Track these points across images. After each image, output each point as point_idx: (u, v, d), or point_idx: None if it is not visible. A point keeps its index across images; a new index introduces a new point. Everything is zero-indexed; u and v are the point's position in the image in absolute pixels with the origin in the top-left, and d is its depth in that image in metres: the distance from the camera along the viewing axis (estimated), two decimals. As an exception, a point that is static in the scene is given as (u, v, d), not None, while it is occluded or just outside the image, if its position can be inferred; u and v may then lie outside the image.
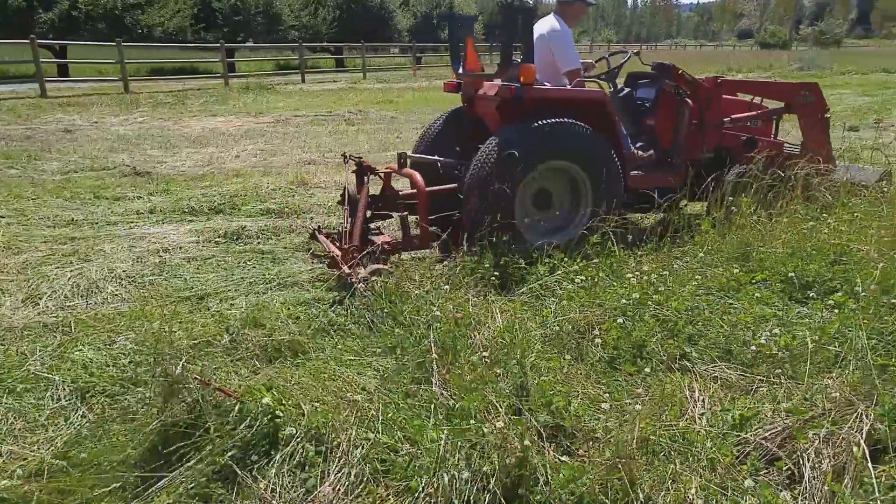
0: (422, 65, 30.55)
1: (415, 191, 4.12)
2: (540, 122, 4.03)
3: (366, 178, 4.33)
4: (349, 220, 4.13)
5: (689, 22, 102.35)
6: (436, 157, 4.58)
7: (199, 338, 3.00)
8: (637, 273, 3.66)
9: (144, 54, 23.81)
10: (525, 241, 4.04)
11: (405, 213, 4.18)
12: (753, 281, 3.72)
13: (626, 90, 5.19)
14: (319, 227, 4.63)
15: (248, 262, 4.52)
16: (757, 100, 5.47)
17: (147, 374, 2.61)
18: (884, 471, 2.11)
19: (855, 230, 4.14)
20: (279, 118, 12.87)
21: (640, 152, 4.70)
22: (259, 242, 4.98)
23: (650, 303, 3.29)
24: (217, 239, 5.01)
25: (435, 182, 4.30)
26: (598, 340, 3.00)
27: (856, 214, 4.37)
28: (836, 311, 3.23)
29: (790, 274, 3.65)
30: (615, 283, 3.61)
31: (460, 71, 4.77)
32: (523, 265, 3.77)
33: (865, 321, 2.92)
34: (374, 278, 3.46)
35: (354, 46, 28.97)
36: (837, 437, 2.27)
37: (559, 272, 3.74)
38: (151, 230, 5.21)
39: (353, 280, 3.50)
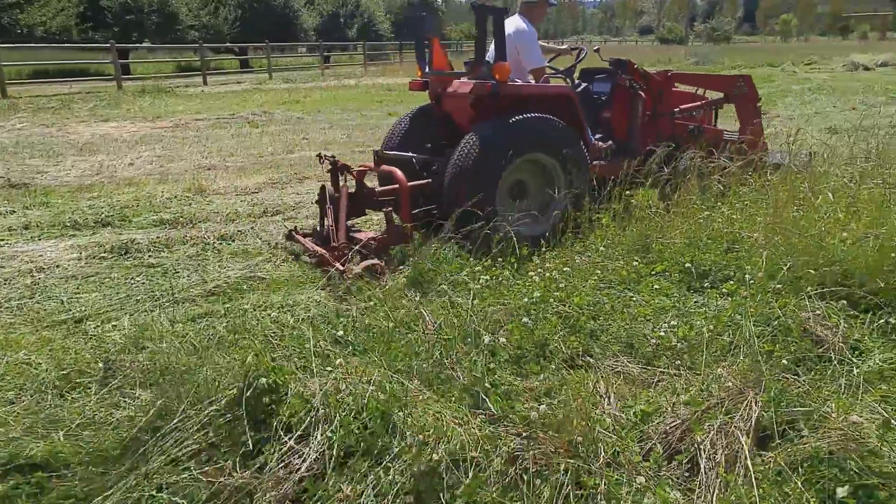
0: (330, 64, 30.01)
1: (391, 187, 4.29)
2: (519, 117, 4.21)
3: (340, 176, 4.43)
4: (332, 218, 4.20)
5: (593, 18, 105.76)
6: (410, 154, 4.66)
7: (71, 367, 2.72)
8: (540, 270, 3.65)
9: (26, 56, 22.12)
10: (501, 230, 4.00)
11: (389, 209, 4.22)
12: (653, 273, 3.78)
13: (583, 85, 5.37)
14: (296, 227, 4.73)
15: (136, 279, 4.20)
16: (699, 91, 5.88)
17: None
18: (771, 457, 2.14)
19: (745, 218, 4.29)
20: (178, 122, 12.25)
21: (600, 143, 4.91)
22: (150, 256, 4.65)
23: (552, 300, 3.27)
24: (102, 254, 4.63)
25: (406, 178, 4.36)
26: (502, 340, 2.94)
27: (745, 202, 4.54)
28: (729, 298, 3.32)
29: (687, 264, 3.73)
30: (518, 282, 3.58)
31: (427, 70, 4.90)
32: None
33: (753, 309, 3.00)
34: (367, 274, 3.58)
35: (259, 47, 28.14)
36: (730, 427, 2.30)
37: (465, 271, 3.67)
38: (24, 248, 4.76)
39: (348, 276, 3.58)
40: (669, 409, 2.47)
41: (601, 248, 4.06)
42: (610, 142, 5.00)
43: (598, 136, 5.05)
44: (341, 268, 3.71)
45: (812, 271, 3.33)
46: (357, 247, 3.89)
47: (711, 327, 2.97)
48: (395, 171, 4.30)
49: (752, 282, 3.30)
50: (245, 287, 4.02)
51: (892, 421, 2.20)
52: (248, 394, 2.07)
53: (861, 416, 2.23)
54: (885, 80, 19.72)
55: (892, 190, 4.22)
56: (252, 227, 5.32)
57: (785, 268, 3.32)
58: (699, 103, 5.66)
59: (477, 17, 4.37)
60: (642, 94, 5.07)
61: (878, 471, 2.04)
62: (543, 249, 4.06)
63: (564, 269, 3.66)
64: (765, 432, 2.29)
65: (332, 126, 11.20)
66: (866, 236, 3.67)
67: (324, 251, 4.04)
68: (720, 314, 3.11)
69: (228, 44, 28.84)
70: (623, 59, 5.27)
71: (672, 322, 3.10)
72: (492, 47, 4.39)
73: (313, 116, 12.95)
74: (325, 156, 4.55)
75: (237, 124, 12.03)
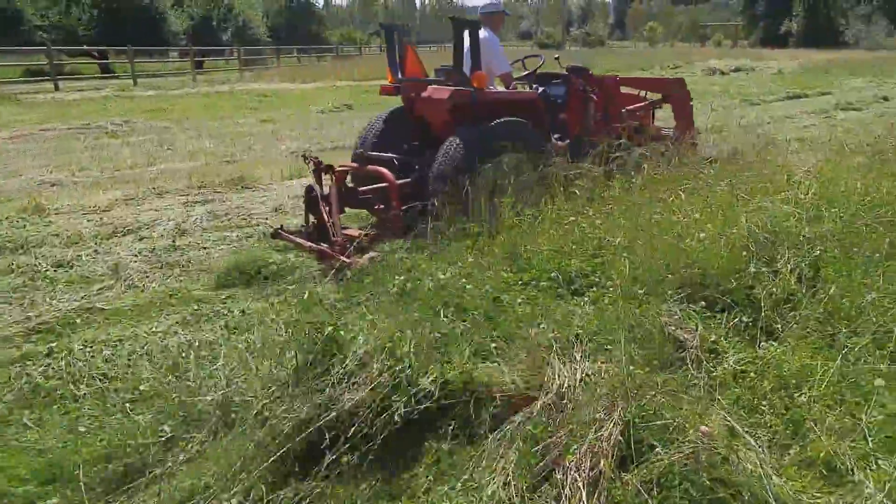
0: (203, 70, 28.53)
1: (380, 185, 4.58)
2: (498, 122, 4.67)
3: (325, 176, 4.61)
4: (327, 215, 4.40)
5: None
6: (391, 155, 4.93)
7: None
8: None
9: None
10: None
11: (380, 206, 4.53)
12: (522, 282, 3.71)
13: (541, 89, 5.64)
14: (282, 225, 4.79)
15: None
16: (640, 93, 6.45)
17: None
18: (629, 478, 2.07)
19: (610, 222, 4.32)
20: (21, 133, 11.08)
21: (559, 143, 5.27)
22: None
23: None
24: None
25: (375, 178, 4.67)
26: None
27: (610, 206, 4.59)
28: (594, 306, 3.29)
29: (553, 273, 3.68)
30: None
31: (399, 76, 5.22)
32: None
33: (616, 315, 2.98)
34: (370, 264, 3.75)
35: (122, 50, 26.28)
36: (595, 448, 2.22)
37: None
38: None
39: (356, 267, 3.73)
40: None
41: (469, 259, 3.94)
42: (567, 141, 5.36)
43: (556, 135, 5.43)
44: (347, 260, 3.87)
45: (669, 276, 3.36)
46: (358, 239, 4.09)
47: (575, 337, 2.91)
48: (384, 172, 4.60)
49: (612, 288, 3.28)
50: (78, 321, 3.58)
51: (737, 428, 2.21)
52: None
53: (711, 426, 2.21)
54: (738, 83, 21.31)
55: (739, 190, 4.39)
56: (96, 251, 4.82)
57: (647, 271, 3.34)
58: (642, 104, 6.24)
59: (455, 30, 4.76)
60: (594, 96, 5.59)
61: (729, 481, 2.01)
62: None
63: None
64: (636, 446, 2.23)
65: (202, 135, 10.54)
66: (720, 236, 3.79)
67: (320, 247, 4.25)
68: (587, 322, 3.05)
69: (86, 47, 26.74)
70: (580, 66, 5.87)
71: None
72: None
73: (181, 125, 12.15)
74: (310, 156, 4.75)
75: (93, 135, 11.08)
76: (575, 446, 2.23)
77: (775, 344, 2.98)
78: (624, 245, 3.83)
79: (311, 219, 4.64)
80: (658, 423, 2.30)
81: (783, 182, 4.87)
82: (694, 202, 4.29)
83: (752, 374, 2.80)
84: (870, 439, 2.30)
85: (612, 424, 2.29)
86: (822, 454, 2.27)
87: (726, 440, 2.17)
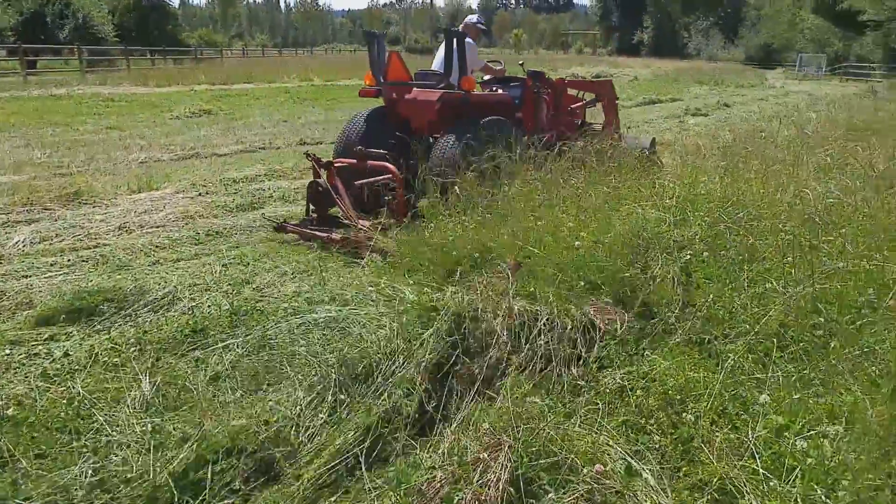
0: (36, 70, 25.70)
1: (384, 177, 5.00)
2: (486, 119, 5.24)
3: (323, 171, 5.02)
4: (343, 205, 4.81)
5: (343, 28, 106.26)
6: (383, 151, 5.17)
7: None
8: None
9: None
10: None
11: (388, 195, 4.89)
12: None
13: (500, 90, 6.21)
14: (285, 220, 5.21)
15: None
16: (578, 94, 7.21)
17: None
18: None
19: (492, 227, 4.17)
20: None
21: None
22: None
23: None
24: None
25: (361, 171, 5.09)
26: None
27: (487, 216, 4.44)
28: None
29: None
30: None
31: (381, 79, 5.68)
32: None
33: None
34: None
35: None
36: (481, 495, 1.97)
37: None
38: None
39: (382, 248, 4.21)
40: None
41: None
42: (525, 137, 5.61)
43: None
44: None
45: (548, 289, 3.22)
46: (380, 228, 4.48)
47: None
48: (389, 166, 4.97)
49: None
50: None
51: (634, 465, 2.04)
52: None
53: (604, 464, 2.03)
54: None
55: (612, 196, 4.37)
56: None
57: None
58: (582, 102, 7.07)
59: (447, 39, 5.47)
60: (546, 97, 6.29)
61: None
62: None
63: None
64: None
65: (30, 144, 9.28)
66: (596, 243, 3.71)
67: (333, 236, 4.68)
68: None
69: None
70: (538, 70, 6.52)
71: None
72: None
73: (6, 133, 10.69)
74: (310, 154, 5.18)
75: None
76: (458, 496, 1.97)
77: (658, 356, 2.90)
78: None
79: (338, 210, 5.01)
80: (548, 461, 2.09)
81: (650, 186, 4.95)
82: (567, 209, 4.24)
83: (638, 392, 2.68)
84: (758, 457, 2.21)
85: (499, 467, 2.05)
86: (714, 479, 2.16)
87: (620, 476, 1.98)
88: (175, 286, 3.85)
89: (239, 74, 23.16)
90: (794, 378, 2.66)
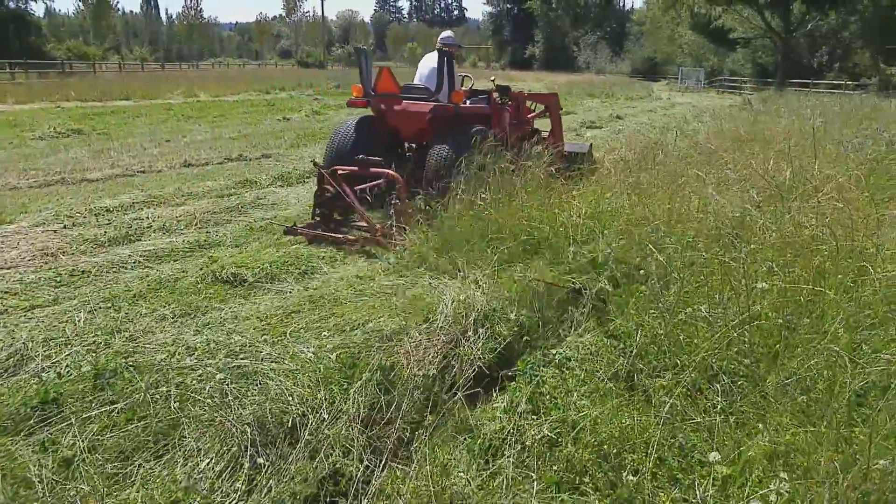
0: None
1: (374, 182, 5.54)
2: (474, 129, 5.77)
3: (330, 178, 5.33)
4: (358, 209, 5.21)
5: (231, 41, 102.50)
6: (379, 159, 5.50)
7: None
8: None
9: None
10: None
11: (395, 200, 5.16)
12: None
13: (469, 102, 6.61)
14: (294, 223, 5.47)
15: None
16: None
17: None
18: None
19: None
20: None
21: None
22: None
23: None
24: None
25: (362, 178, 5.55)
26: None
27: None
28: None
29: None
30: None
31: (372, 91, 6.18)
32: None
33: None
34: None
35: None
36: None
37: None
38: None
39: (401, 245, 4.75)
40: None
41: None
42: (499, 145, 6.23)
43: None
44: (396, 240, 4.84)
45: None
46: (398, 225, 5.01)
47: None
48: (392, 173, 5.33)
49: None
50: None
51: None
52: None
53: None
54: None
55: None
56: None
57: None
58: (536, 112, 7.81)
59: (439, 58, 6.06)
60: (508, 108, 6.96)
61: None
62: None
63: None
64: None
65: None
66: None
67: (346, 236, 5.14)
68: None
69: None
70: (504, 85, 7.18)
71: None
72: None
73: None
74: (316, 162, 5.68)
75: None
76: None
77: (587, 401, 2.65)
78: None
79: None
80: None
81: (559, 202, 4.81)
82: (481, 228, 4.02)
83: (569, 445, 2.40)
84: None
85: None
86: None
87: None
88: (24, 342, 3.25)
89: (115, 90, 21.53)
90: (732, 418, 2.48)
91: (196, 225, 5.74)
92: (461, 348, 2.99)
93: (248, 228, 5.69)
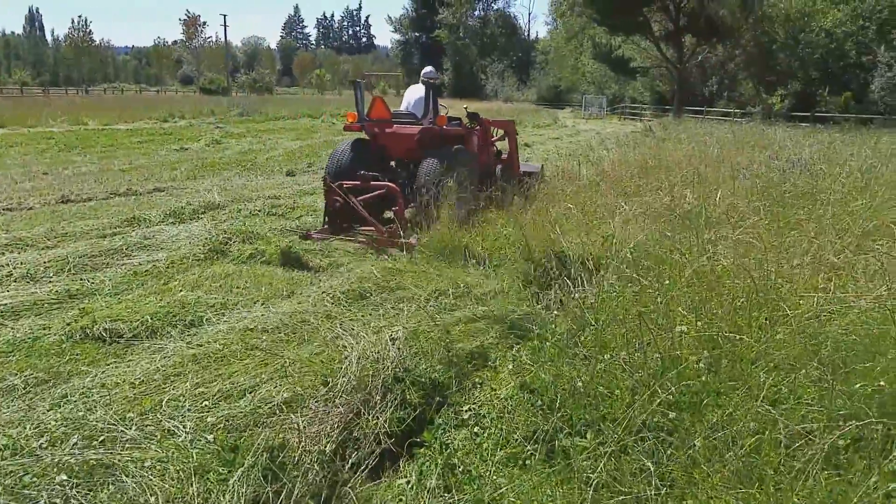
0: None
1: (374, 194, 6.49)
2: (455, 147, 6.98)
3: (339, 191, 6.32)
4: (368, 217, 6.19)
5: (127, 66, 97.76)
6: (376, 174, 6.69)
7: None
8: None
9: None
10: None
11: (396, 208, 6.26)
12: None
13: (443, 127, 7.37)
14: (308, 230, 6.51)
15: None
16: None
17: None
18: None
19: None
20: None
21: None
22: None
23: None
24: None
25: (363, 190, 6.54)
26: None
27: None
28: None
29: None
30: None
31: (366, 116, 7.17)
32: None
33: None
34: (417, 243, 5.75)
35: None
36: None
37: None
38: None
39: (411, 245, 5.70)
40: None
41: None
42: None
43: None
44: (404, 241, 5.81)
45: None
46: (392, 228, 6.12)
47: None
48: (392, 186, 6.36)
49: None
50: None
51: None
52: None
53: None
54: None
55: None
56: None
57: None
58: (499, 136, 8.59)
59: (426, 90, 7.21)
60: (477, 132, 7.85)
61: None
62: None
63: None
64: None
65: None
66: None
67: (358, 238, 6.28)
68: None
69: None
70: (475, 112, 8.14)
71: None
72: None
73: None
74: (326, 178, 6.48)
75: None
76: None
77: (504, 473, 2.36)
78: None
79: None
80: None
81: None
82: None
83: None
84: None
85: None
86: None
87: None
88: None
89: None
90: (660, 483, 2.25)
91: (68, 271, 5.11)
92: (365, 417, 2.64)
93: (130, 273, 5.13)
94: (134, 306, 4.30)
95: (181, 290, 4.65)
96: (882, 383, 2.53)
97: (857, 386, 2.54)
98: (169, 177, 10.22)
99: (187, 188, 9.19)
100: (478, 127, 7.96)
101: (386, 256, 5.63)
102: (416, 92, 7.59)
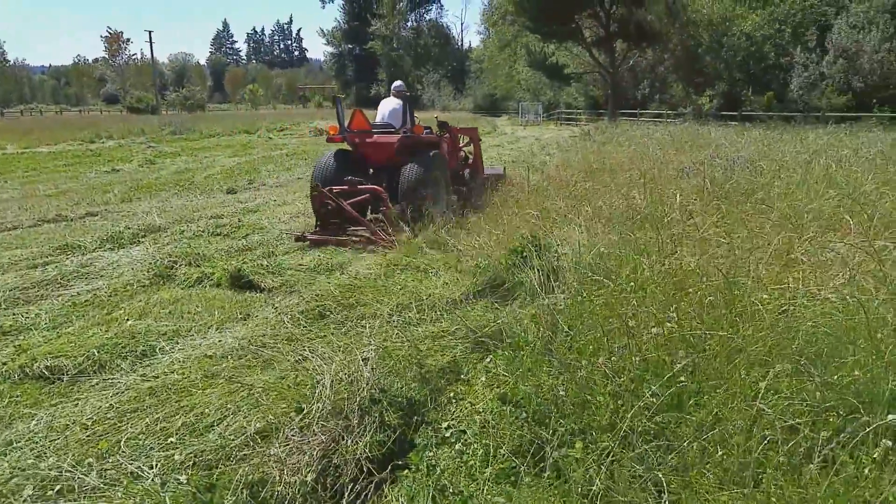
0: None
1: (360, 197, 7.16)
2: (432, 153, 7.55)
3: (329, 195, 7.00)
4: (359, 217, 7.00)
5: (44, 86, 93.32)
6: (360, 179, 7.37)
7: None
8: None
9: None
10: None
11: (384, 209, 6.88)
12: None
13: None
14: (303, 231, 7.05)
15: None
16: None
17: None
18: None
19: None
20: None
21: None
22: None
23: None
24: None
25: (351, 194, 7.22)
26: None
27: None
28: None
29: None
30: None
31: (347, 127, 7.71)
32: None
33: None
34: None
35: None
36: None
37: None
38: None
39: (401, 242, 6.35)
40: None
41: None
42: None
43: None
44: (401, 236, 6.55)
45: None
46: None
47: None
48: (379, 189, 7.08)
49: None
50: None
51: None
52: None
53: None
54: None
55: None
56: None
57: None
58: (467, 142, 9.51)
59: (403, 102, 7.96)
60: (446, 139, 8.43)
61: None
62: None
63: None
64: None
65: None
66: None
67: (358, 236, 6.86)
68: None
69: None
70: (444, 121, 8.89)
71: None
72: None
73: None
74: (316, 185, 7.13)
75: None
76: None
77: (495, 490, 2.26)
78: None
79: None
80: None
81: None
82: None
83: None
84: None
85: None
86: None
87: None
88: None
89: None
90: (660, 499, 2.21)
91: (-2, 307, 4.76)
92: (344, 444, 2.50)
93: (69, 304, 4.81)
94: (76, 340, 4.03)
95: (128, 320, 4.40)
96: (857, 373, 2.57)
97: (835, 377, 2.56)
98: (102, 200, 9.74)
99: (123, 211, 8.77)
100: (446, 135, 8.55)
101: (383, 250, 6.32)
102: (389, 104, 8.19)
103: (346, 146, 7.87)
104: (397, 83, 8.62)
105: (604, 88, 36.43)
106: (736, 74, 29.94)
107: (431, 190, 7.22)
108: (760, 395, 2.58)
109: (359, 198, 7.14)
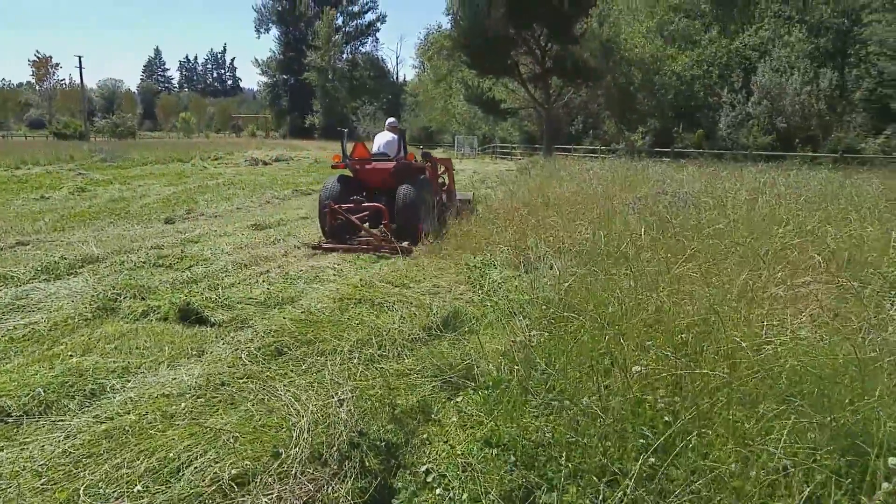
0: None
1: (361, 214, 8.37)
2: (421, 178, 8.94)
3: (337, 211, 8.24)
4: (365, 229, 8.21)
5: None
6: (362, 197, 8.76)
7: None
8: None
9: None
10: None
11: (386, 222, 8.21)
12: None
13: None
14: (319, 241, 8.36)
15: None
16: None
17: None
18: None
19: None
20: None
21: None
22: None
23: None
24: None
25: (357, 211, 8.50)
26: None
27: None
28: None
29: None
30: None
31: (347, 156, 9.16)
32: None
33: None
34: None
35: None
36: None
37: None
38: None
39: (403, 247, 7.71)
40: None
41: None
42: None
43: None
44: (396, 244, 7.70)
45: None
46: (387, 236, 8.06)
47: None
48: (382, 206, 8.32)
49: None
50: None
51: None
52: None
53: None
54: (283, 173, 21.78)
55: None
56: None
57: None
58: (443, 171, 10.67)
59: (399, 135, 9.48)
60: (428, 167, 9.57)
61: None
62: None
63: None
64: None
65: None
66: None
67: (360, 244, 8.15)
68: None
69: None
70: (427, 151, 10.90)
71: None
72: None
73: None
74: (329, 203, 8.28)
75: None
76: None
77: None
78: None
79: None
80: None
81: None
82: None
83: None
84: None
85: None
86: None
87: None
88: None
89: None
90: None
91: (-78, 348, 4.36)
92: (325, 491, 2.36)
93: (5, 340, 4.46)
94: (19, 378, 3.72)
95: (72, 356, 4.10)
96: (846, 414, 2.59)
97: (827, 419, 2.57)
98: (32, 228, 9.18)
99: (56, 240, 8.27)
100: (428, 163, 9.84)
101: (385, 254, 7.60)
102: (384, 137, 9.61)
103: (347, 172, 9.20)
104: (391, 119, 10.18)
105: (539, 124, 37.33)
106: (668, 112, 31.31)
107: (423, 208, 8.47)
108: (753, 436, 2.58)
109: (361, 213, 8.39)
